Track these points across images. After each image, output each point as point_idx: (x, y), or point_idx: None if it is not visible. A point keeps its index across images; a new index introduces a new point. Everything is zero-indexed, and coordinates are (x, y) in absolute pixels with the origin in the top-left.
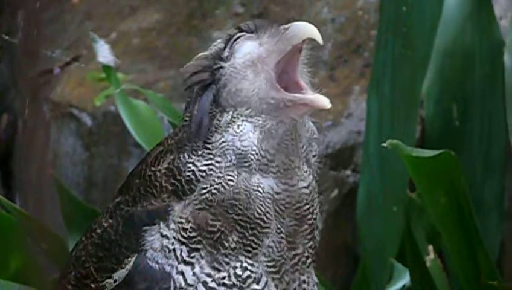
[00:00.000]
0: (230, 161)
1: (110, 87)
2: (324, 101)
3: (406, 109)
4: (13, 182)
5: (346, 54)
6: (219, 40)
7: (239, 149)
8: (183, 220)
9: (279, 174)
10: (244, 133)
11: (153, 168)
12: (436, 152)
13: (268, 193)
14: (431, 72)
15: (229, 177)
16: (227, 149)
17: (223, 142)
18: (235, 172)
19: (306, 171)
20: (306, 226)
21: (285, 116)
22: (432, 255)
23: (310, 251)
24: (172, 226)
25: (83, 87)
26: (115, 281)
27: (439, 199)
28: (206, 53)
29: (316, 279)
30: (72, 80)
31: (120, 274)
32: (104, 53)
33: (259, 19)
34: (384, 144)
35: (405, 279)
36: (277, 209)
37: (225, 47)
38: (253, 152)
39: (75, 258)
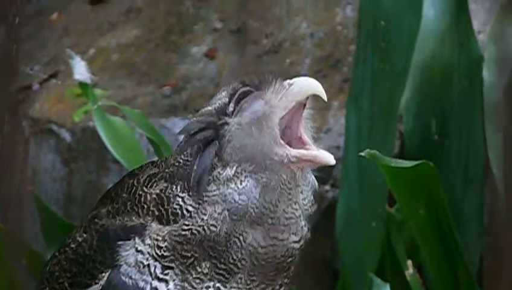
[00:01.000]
0: (217, 212)
1: (89, 103)
2: (328, 157)
3: (385, 123)
4: None
5: (325, 69)
6: (223, 94)
7: (236, 202)
8: (160, 238)
9: (273, 226)
10: (246, 188)
11: (145, 189)
12: (415, 163)
13: (250, 245)
14: (410, 86)
15: (212, 223)
16: (217, 201)
17: (216, 195)
18: (220, 220)
19: (302, 224)
20: (285, 272)
21: (286, 169)
22: (411, 270)
23: (285, 281)
24: (148, 241)
25: (62, 103)
26: None
27: (418, 210)
28: (210, 108)
29: None
30: (51, 96)
31: None
32: (81, 70)
33: (263, 74)
34: (362, 153)
35: None
36: (255, 262)
37: (229, 102)
38: (253, 206)
39: (49, 273)
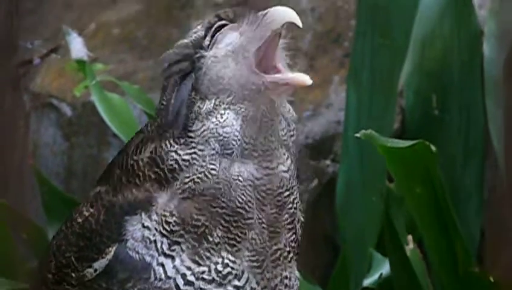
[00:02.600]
0: (213, 149)
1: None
2: (304, 78)
3: (385, 98)
4: None
5: (326, 44)
6: (199, 27)
7: (221, 136)
8: (167, 213)
9: (260, 158)
10: (227, 121)
11: (134, 157)
12: (411, 142)
13: (248, 179)
14: (410, 61)
15: (212, 167)
16: (209, 137)
17: (205, 130)
18: (217, 161)
19: (285, 154)
20: (286, 215)
21: (265, 98)
22: (411, 245)
23: (292, 244)
24: (155, 217)
25: (63, 77)
26: (96, 270)
27: (415, 189)
28: (186, 41)
29: (298, 274)
30: (51, 70)
31: (100, 264)
32: (77, 46)
33: (239, 7)
34: (358, 134)
35: (384, 268)
36: (258, 196)
37: (205, 35)
38: (236, 138)
39: (55, 247)
